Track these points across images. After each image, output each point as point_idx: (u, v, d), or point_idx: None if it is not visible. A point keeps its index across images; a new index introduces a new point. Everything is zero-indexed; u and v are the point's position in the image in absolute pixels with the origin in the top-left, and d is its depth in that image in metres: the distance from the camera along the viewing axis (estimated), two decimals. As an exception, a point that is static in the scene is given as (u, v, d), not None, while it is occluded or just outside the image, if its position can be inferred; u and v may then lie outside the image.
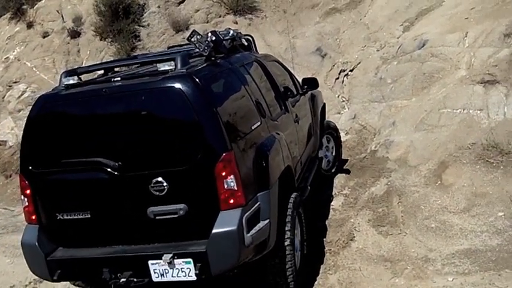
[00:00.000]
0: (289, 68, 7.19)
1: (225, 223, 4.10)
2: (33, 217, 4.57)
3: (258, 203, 4.38)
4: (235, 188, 4.13)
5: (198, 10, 11.91)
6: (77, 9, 12.49)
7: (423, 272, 5.30)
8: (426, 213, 6.28)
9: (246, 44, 6.17)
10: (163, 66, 4.36)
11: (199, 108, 4.13)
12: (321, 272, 5.47)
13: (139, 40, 11.67)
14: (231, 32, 5.69)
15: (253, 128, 4.74)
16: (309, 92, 7.07)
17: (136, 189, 4.23)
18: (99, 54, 11.66)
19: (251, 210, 4.26)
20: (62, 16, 12.44)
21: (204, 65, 4.64)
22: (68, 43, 12.00)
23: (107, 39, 11.79)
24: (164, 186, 4.17)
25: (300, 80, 6.95)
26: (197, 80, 4.22)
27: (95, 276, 4.39)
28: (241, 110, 4.74)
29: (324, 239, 5.94)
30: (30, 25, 12.59)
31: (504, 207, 6.14)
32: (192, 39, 4.70)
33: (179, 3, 12.12)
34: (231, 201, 4.14)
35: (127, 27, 11.59)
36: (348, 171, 7.67)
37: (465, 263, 5.33)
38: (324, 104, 7.95)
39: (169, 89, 4.18)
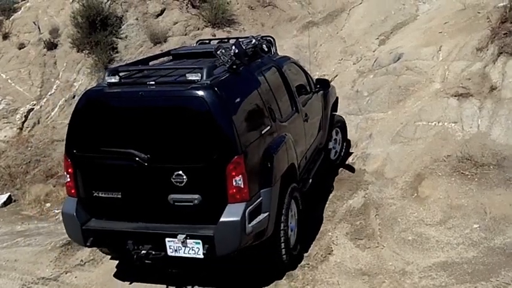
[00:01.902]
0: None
1: (231, 214, 4.89)
2: (73, 191, 5.39)
3: (261, 198, 5.11)
4: (242, 186, 4.89)
5: (176, 22, 11.92)
6: (53, 20, 12.34)
7: (400, 285, 5.34)
8: (403, 226, 6.36)
9: (266, 49, 6.67)
10: (191, 76, 5.03)
11: (218, 116, 4.85)
12: (299, 286, 5.47)
13: (117, 52, 11.58)
14: (253, 40, 6.29)
15: (263, 132, 5.42)
16: None
17: (160, 178, 5.02)
18: (76, 66, 11.54)
19: (254, 204, 5.01)
20: (39, 27, 12.28)
21: (226, 75, 5.30)
22: (44, 55, 11.83)
23: (84, 51, 11.65)
24: (183, 178, 4.94)
25: (315, 79, 7.63)
26: (218, 91, 4.91)
27: (121, 246, 5.20)
28: (255, 117, 5.45)
29: (305, 253, 5.96)
30: (6, 36, 12.39)
31: (479, 219, 6.26)
32: (218, 52, 5.35)
33: (157, 16, 12.10)
34: (238, 196, 4.90)
35: (104, 39, 11.48)
36: (351, 168, 7.91)
37: (442, 276, 5.40)
38: (337, 98, 8.39)
39: (194, 97, 4.89)
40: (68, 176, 5.40)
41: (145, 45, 11.62)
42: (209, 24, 11.81)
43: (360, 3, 12.31)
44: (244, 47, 5.78)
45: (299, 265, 5.76)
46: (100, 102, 5.29)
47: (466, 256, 5.69)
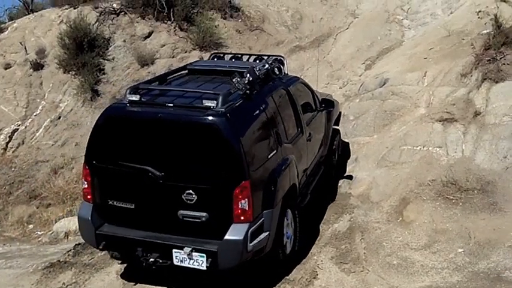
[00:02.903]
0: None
1: (235, 233, 5.24)
2: (89, 197, 5.74)
3: (263, 218, 5.45)
4: (247, 209, 5.24)
5: (163, 45, 11.99)
6: (40, 41, 12.35)
7: (385, 310, 5.32)
8: (388, 250, 6.35)
9: (277, 72, 6.92)
10: (207, 102, 5.32)
11: (229, 143, 5.19)
12: (283, 311, 5.44)
13: (104, 73, 11.59)
14: (266, 65, 6.47)
15: (269, 156, 5.73)
16: None
17: (172, 195, 5.35)
18: (62, 87, 11.51)
19: (256, 225, 5.35)
20: (25, 48, 12.27)
21: (240, 102, 5.58)
22: (31, 75, 11.79)
23: (70, 72, 11.63)
24: (193, 197, 5.28)
25: (320, 98, 7.95)
26: (231, 118, 5.24)
27: (131, 252, 5.54)
28: (263, 142, 5.76)
29: (286, 277, 5.90)
30: (-9, 56, 12.38)
31: (463, 243, 6.27)
32: (233, 80, 5.62)
33: (145, 38, 12.17)
34: (242, 217, 5.26)
35: (91, 60, 11.49)
36: (350, 177, 8.09)
37: (426, 301, 5.38)
38: (340, 112, 8.88)
39: (209, 124, 5.21)
40: (85, 183, 5.75)
41: (133, 67, 11.65)
42: (197, 47, 11.91)
43: (347, 29, 12.50)
44: (257, 73, 6.01)
45: (284, 289, 5.73)
46: (120, 118, 5.62)
47: (450, 280, 5.68)
